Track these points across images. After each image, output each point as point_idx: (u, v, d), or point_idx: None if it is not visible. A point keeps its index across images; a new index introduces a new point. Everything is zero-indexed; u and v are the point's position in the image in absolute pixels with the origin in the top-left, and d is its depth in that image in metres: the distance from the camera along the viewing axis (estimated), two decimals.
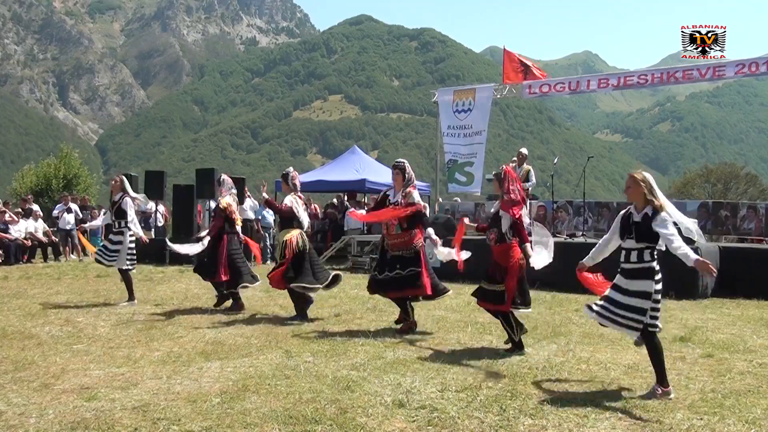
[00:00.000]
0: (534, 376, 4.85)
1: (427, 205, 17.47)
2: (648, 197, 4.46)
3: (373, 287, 6.81)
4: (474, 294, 5.95)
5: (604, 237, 4.88)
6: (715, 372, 5.03)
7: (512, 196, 5.75)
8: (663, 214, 4.38)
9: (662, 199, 4.48)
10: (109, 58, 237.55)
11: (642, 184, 4.50)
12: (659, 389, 4.35)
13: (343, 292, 9.50)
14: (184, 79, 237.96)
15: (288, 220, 7.42)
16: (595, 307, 4.58)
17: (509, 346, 5.76)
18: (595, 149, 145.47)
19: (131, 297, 8.47)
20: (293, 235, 7.29)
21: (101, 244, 8.59)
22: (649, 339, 4.45)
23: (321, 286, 7.33)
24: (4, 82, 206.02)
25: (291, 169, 7.79)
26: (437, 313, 7.78)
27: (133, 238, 8.49)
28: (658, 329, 4.47)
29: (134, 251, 8.55)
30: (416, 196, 6.67)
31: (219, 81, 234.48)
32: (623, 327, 4.44)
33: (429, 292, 6.55)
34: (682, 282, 9.09)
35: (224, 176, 8.43)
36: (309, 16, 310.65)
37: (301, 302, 7.37)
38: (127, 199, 8.50)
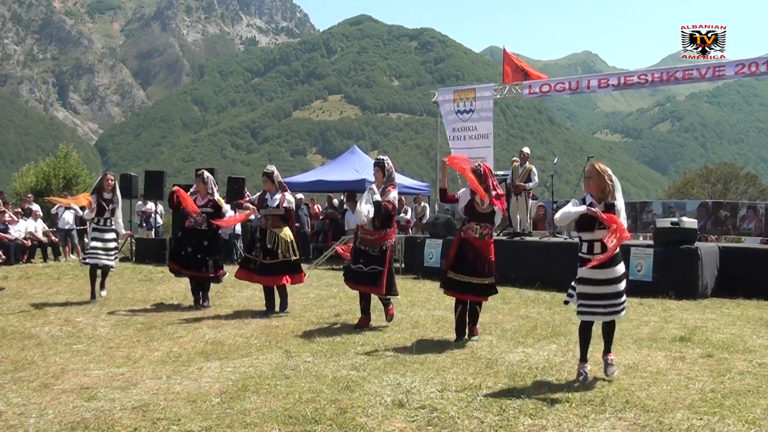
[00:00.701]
0: (534, 376, 4.84)
1: (427, 205, 17.52)
2: (608, 192, 4.66)
3: (349, 280, 6.85)
4: (454, 288, 6.00)
5: (573, 210, 4.73)
6: (715, 372, 5.03)
7: (499, 191, 6.01)
8: (617, 203, 4.69)
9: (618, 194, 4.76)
10: (109, 58, 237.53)
11: (607, 180, 4.66)
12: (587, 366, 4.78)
13: (343, 292, 9.49)
14: (183, 79, 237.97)
15: (285, 217, 7.59)
16: (589, 310, 4.77)
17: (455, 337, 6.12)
18: (595, 149, 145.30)
19: (93, 295, 8.65)
20: (291, 234, 7.66)
21: (91, 244, 8.63)
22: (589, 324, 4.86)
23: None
24: (4, 82, 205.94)
25: (273, 167, 7.83)
26: (437, 313, 7.77)
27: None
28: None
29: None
30: (394, 195, 6.66)
31: (219, 81, 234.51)
32: (619, 313, 4.74)
33: (383, 292, 6.68)
34: (682, 282, 9.10)
35: (207, 173, 8.46)
36: (309, 16, 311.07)
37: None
38: (119, 199, 8.75)
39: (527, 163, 12.10)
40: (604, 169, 4.70)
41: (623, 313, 4.80)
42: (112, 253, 8.70)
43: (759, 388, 4.57)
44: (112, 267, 8.85)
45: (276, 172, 7.70)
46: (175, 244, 8.42)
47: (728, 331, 6.80)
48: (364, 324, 6.78)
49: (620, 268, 4.71)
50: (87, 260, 8.63)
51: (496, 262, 6.12)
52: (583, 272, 4.72)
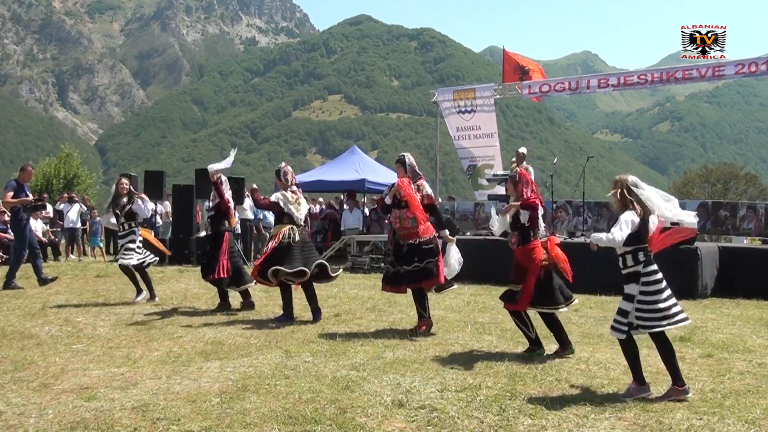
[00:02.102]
0: (534, 376, 4.84)
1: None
2: (623, 200, 4.40)
3: (389, 284, 6.67)
4: (501, 297, 5.85)
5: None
6: (715, 372, 5.03)
7: (524, 197, 5.74)
8: (625, 213, 4.33)
9: (650, 197, 4.36)
10: (109, 58, 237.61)
11: (617, 187, 4.42)
12: (634, 387, 4.35)
13: (343, 292, 9.50)
14: (183, 79, 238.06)
15: (279, 215, 7.37)
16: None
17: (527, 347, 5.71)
18: (595, 149, 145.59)
19: (152, 294, 8.67)
20: (282, 230, 7.20)
21: (100, 243, 8.66)
22: (658, 339, 4.41)
23: (303, 269, 7.02)
24: (4, 82, 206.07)
25: (283, 164, 7.73)
26: (437, 313, 7.76)
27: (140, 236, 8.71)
28: (646, 330, 4.35)
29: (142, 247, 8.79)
30: (428, 188, 6.73)
31: (218, 81, 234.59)
32: (613, 330, 4.45)
33: (443, 281, 6.61)
34: (682, 282, 9.09)
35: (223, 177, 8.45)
36: (308, 16, 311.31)
37: (289, 301, 7.32)
38: (138, 200, 8.64)
39: (524, 162, 12.10)
40: (616, 181, 4.47)
41: (613, 332, 4.44)
42: (128, 252, 8.53)
43: (759, 388, 4.57)
44: (139, 264, 8.60)
45: (283, 170, 7.49)
46: (201, 254, 8.34)
47: (728, 331, 6.80)
48: (428, 327, 6.57)
49: (630, 287, 4.38)
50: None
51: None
52: None
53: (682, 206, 4.80)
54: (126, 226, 8.59)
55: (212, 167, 8.16)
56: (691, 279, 9.10)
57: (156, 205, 17.02)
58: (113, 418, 3.78)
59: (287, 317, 7.23)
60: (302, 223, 7.38)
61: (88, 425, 3.66)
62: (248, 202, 15.44)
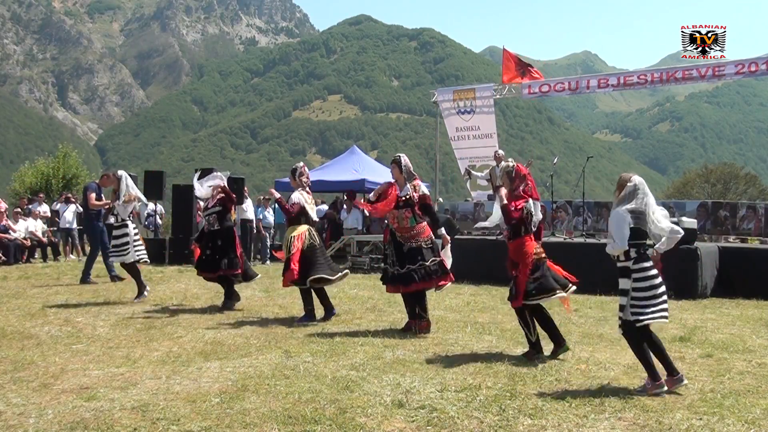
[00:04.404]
0: (534, 376, 4.84)
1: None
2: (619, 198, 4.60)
3: (394, 284, 6.63)
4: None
5: None
6: (715, 372, 5.03)
7: (518, 192, 5.72)
8: (613, 212, 4.55)
9: (641, 199, 4.49)
10: (109, 58, 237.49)
11: (618, 186, 4.62)
12: (649, 383, 4.42)
13: (343, 292, 9.50)
14: (183, 79, 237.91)
15: (297, 216, 7.33)
16: None
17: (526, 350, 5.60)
18: (595, 149, 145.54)
19: (141, 290, 8.70)
20: (302, 231, 7.19)
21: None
22: (630, 334, 4.53)
23: (336, 278, 7.27)
24: (4, 82, 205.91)
25: (301, 164, 7.73)
26: (437, 313, 7.77)
27: (137, 230, 8.84)
28: (638, 323, 4.47)
29: (141, 243, 8.90)
30: (425, 188, 6.77)
31: (218, 81, 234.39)
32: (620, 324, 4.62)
33: (453, 279, 6.77)
34: (682, 282, 9.10)
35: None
36: (308, 16, 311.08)
37: (309, 301, 7.25)
38: (122, 192, 8.92)
39: (503, 162, 12.08)
40: (618, 180, 4.64)
41: (618, 329, 4.64)
42: (115, 250, 8.79)
43: (759, 388, 4.57)
44: (130, 260, 8.77)
45: (299, 170, 7.49)
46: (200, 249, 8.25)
47: (728, 331, 6.80)
48: (428, 326, 6.57)
49: (622, 281, 4.55)
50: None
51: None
52: None
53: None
54: (118, 219, 8.79)
55: (218, 182, 8.28)
56: (691, 279, 9.10)
57: (156, 205, 17.05)
58: (113, 418, 3.78)
59: (309, 317, 7.18)
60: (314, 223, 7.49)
61: (88, 425, 3.66)
62: (248, 203, 15.46)
